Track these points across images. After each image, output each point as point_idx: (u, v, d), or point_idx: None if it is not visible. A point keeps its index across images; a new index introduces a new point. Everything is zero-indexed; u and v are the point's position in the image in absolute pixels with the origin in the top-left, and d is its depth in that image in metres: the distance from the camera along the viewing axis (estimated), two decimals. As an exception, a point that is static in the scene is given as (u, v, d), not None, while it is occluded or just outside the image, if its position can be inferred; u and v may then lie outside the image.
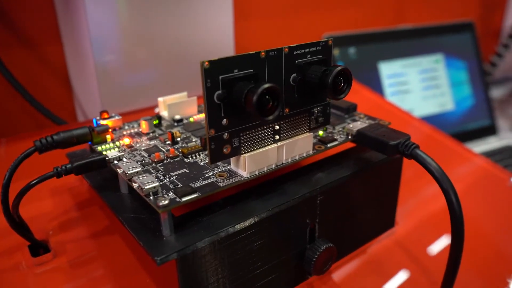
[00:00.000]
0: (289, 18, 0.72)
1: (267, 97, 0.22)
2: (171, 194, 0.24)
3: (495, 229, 0.37)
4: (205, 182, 0.25)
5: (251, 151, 0.25)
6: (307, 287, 0.29)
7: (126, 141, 0.30)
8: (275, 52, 0.25)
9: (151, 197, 0.23)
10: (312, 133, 0.28)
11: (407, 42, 0.80)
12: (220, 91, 0.23)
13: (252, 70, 0.24)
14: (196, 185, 0.25)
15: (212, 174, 0.26)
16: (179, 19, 0.45)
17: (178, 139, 0.31)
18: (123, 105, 0.45)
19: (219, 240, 0.24)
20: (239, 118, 0.24)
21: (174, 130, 0.32)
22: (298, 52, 0.26)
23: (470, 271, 0.32)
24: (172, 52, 0.46)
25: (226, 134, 0.24)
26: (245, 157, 0.25)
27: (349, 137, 0.31)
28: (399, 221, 0.36)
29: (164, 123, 0.34)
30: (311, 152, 0.28)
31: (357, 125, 0.31)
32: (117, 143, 0.30)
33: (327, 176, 0.29)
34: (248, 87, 0.22)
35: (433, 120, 0.80)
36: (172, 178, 0.25)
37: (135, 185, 0.24)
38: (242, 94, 0.22)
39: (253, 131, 0.25)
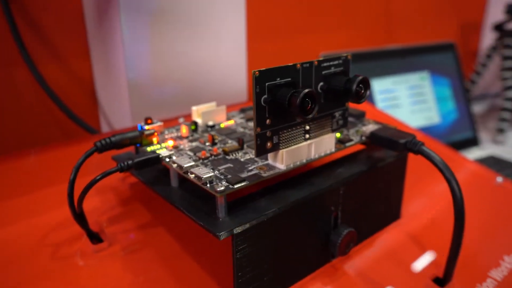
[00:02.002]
0: (289, 39, 0.78)
1: (307, 99, 0.27)
2: (224, 183, 0.28)
3: (488, 224, 0.42)
4: (250, 173, 0.29)
5: (287, 147, 0.30)
6: (331, 268, 0.34)
7: (170, 143, 0.35)
8: (308, 65, 0.30)
9: (208, 185, 0.28)
10: (334, 133, 0.33)
11: (396, 60, 0.87)
12: (266, 96, 0.28)
13: (290, 79, 0.29)
14: (243, 175, 0.29)
15: (254, 168, 0.30)
16: (200, 41, 0.50)
17: (216, 140, 0.35)
18: (149, 115, 0.49)
19: (265, 221, 0.28)
20: (279, 119, 0.29)
21: (212, 133, 0.36)
22: (325, 64, 0.31)
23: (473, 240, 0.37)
24: (191, 70, 0.51)
25: (269, 132, 0.29)
26: (283, 152, 0.30)
27: (363, 138, 0.36)
28: (404, 213, 0.41)
29: (198, 129, 0.38)
30: (333, 149, 0.33)
31: (369, 128, 0.36)
32: (163, 144, 0.34)
33: (347, 171, 0.34)
34: (291, 92, 0.27)
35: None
36: (220, 171, 0.30)
37: (191, 176, 0.29)
38: (285, 97, 0.27)
39: (289, 130, 0.30)
